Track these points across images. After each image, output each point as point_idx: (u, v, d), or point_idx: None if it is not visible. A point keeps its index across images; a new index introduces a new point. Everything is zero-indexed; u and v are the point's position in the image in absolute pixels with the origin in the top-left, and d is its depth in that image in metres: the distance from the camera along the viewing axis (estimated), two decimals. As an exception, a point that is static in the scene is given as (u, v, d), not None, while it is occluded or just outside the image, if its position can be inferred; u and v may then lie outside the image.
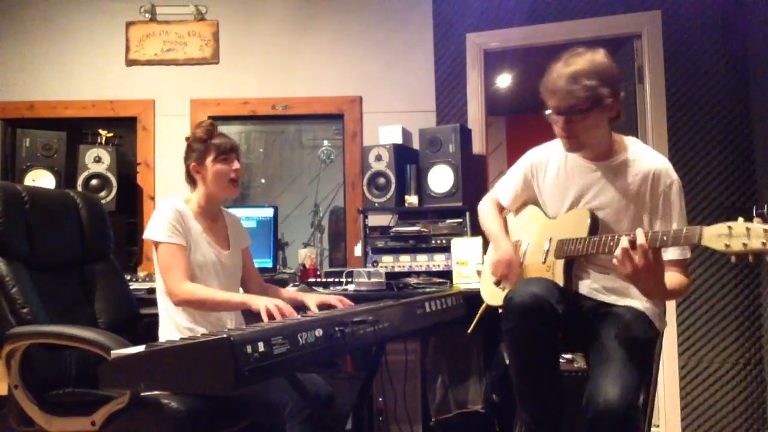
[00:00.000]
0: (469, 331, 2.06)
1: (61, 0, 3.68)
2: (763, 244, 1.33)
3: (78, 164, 3.31)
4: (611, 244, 1.64)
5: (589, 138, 1.80)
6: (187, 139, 2.22)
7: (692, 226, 1.49)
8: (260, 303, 1.91)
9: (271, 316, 1.85)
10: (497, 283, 2.06)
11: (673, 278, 1.71)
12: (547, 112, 1.80)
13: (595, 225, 1.80)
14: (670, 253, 1.74)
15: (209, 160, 2.14)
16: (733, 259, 1.40)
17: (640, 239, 1.52)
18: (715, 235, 1.40)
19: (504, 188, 2.13)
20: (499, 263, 2.01)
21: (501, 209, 2.17)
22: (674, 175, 1.78)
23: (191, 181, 2.20)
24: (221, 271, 2.16)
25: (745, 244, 1.35)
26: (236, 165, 2.18)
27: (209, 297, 1.99)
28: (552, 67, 1.78)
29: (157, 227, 2.03)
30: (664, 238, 1.51)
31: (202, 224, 2.15)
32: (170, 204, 2.10)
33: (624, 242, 1.54)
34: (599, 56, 1.76)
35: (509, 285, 1.98)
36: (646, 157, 1.83)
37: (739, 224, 1.37)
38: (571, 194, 1.90)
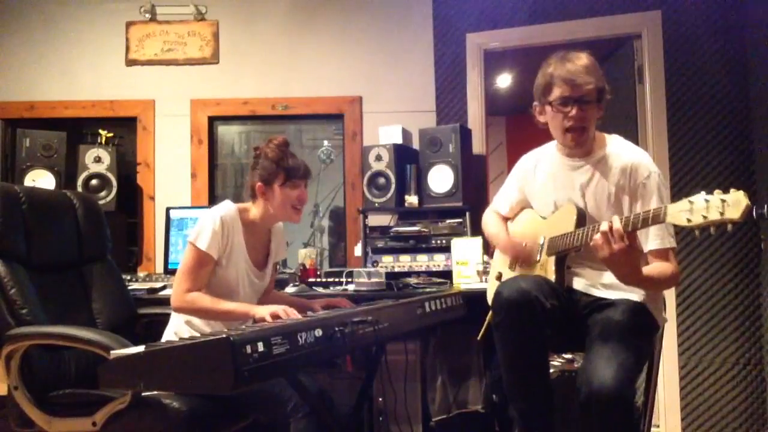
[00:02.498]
0: (478, 338, 2.07)
1: (62, 0, 3.68)
2: (721, 214, 1.35)
3: (78, 164, 3.30)
4: (592, 233, 1.68)
5: (591, 131, 1.88)
6: (257, 150, 2.13)
7: (658, 207, 1.54)
8: (263, 312, 1.86)
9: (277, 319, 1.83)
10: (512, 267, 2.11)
11: (653, 267, 1.76)
12: (553, 100, 1.83)
13: (582, 219, 1.84)
14: (650, 243, 1.78)
15: (277, 183, 2.06)
16: (696, 233, 1.43)
17: (616, 224, 1.58)
18: (678, 211, 1.44)
19: (501, 199, 2.21)
20: (505, 250, 2.10)
21: (503, 219, 2.22)
22: (652, 168, 1.82)
23: (253, 196, 2.11)
24: (249, 290, 2.10)
25: (704, 216, 1.38)
26: (305, 193, 2.11)
27: (211, 308, 1.94)
28: (555, 62, 1.85)
29: (201, 233, 1.96)
30: (635, 221, 1.56)
31: (248, 240, 2.07)
32: (222, 212, 2.00)
33: (604, 226, 1.60)
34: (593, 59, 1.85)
35: (524, 265, 2.03)
36: (625, 151, 1.88)
37: (699, 198, 1.40)
38: (558, 193, 1.96)
